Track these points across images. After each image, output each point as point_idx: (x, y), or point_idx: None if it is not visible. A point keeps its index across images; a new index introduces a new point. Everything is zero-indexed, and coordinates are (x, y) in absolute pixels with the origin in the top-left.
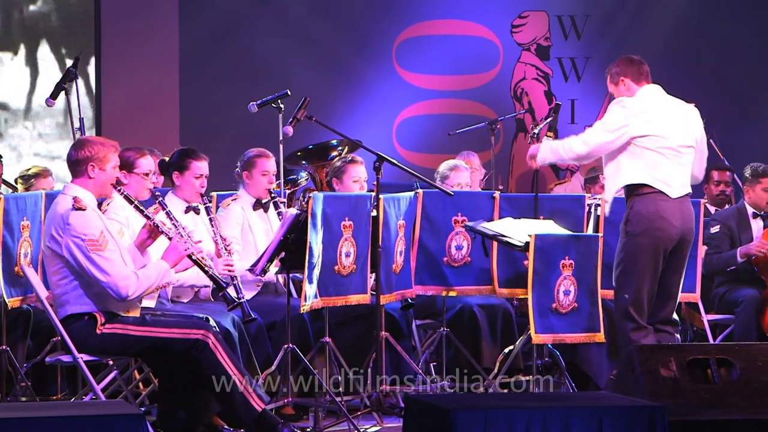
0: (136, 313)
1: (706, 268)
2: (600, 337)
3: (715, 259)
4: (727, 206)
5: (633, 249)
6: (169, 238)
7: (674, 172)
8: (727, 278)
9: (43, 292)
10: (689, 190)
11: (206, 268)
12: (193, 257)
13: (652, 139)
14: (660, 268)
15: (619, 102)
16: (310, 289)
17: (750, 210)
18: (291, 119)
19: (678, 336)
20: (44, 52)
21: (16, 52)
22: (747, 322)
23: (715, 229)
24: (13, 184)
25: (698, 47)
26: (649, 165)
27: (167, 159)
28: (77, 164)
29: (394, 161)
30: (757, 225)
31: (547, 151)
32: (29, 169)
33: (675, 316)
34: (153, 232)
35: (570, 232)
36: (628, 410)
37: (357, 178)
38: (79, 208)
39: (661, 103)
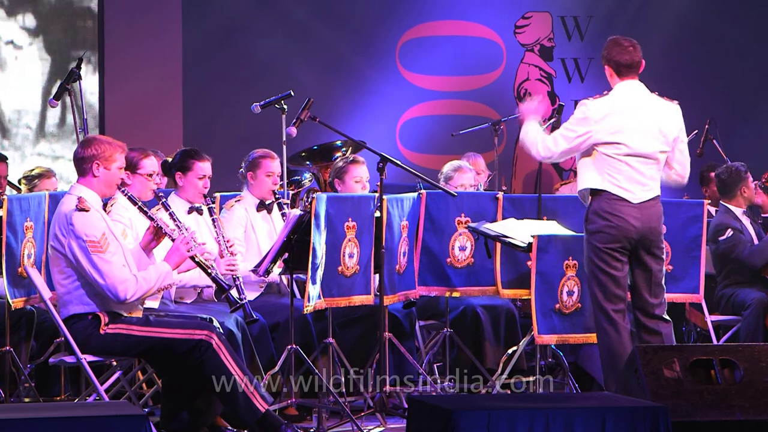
0: (139, 314)
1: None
2: None
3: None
4: None
5: (590, 247)
6: (173, 240)
7: (637, 179)
8: (731, 280)
9: (46, 293)
10: (657, 192)
11: (209, 270)
12: (196, 259)
13: (613, 146)
14: (621, 267)
15: (582, 106)
16: (313, 290)
17: (738, 210)
18: (294, 120)
19: (669, 332)
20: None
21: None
22: (754, 324)
23: (728, 233)
24: (17, 185)
25: (700, 47)
26: (609, 172)
27: (170, 160)
28: (83, 162)
29: (397, 162)
30: (746, 220)
31: (527, 133)
32: (33, 170)
33: (666, 315)
34: (157, 233)
35: (573, 233)
36: (631, 411)
37: (359, 178)
38: (83, 209)
39: (631, 106)
